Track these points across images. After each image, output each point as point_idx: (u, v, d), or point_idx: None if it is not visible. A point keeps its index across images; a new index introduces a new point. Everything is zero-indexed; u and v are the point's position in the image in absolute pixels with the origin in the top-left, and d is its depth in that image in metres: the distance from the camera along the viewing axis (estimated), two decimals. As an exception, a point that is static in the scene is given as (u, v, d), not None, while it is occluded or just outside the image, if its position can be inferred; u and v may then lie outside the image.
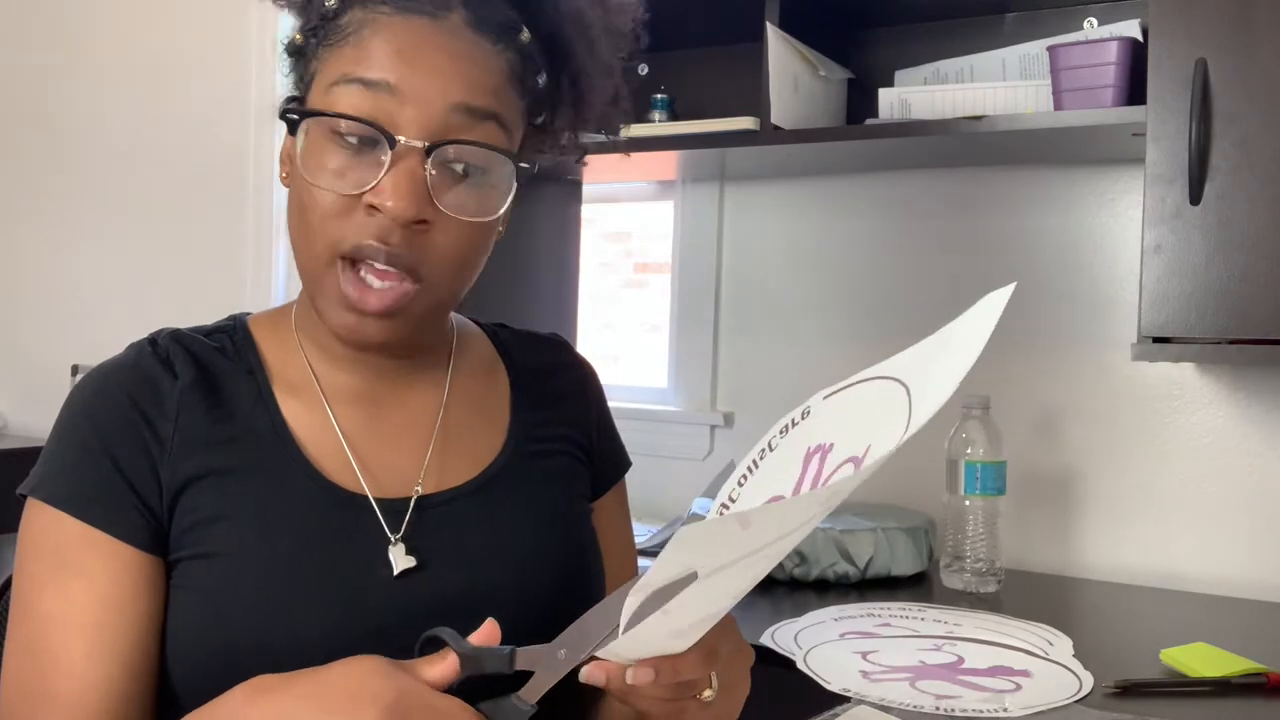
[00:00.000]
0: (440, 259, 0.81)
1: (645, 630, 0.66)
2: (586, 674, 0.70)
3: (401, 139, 0.77)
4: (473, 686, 0.72)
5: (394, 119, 0.78)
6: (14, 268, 2.80)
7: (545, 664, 0.72)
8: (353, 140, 0.78)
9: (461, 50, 0.80)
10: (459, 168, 0.80)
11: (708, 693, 0.74)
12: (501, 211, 0.82)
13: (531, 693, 0.71)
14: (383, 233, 0.78)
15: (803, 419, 0.76)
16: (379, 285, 0.79)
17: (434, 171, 0.78)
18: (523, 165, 0.82)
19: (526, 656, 0.72)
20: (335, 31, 0.81)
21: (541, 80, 0.86)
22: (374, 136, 0.78)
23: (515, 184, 0.82)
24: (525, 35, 0.83)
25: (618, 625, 0.68)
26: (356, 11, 0.81)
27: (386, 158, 0.78)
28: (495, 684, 0.72)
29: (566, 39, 0.86)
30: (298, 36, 0.84)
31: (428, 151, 0.78)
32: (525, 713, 0.71)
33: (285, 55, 0.86)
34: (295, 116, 0.79)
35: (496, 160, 0.81)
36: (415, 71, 0.78)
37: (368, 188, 0.78)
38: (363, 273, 0.79)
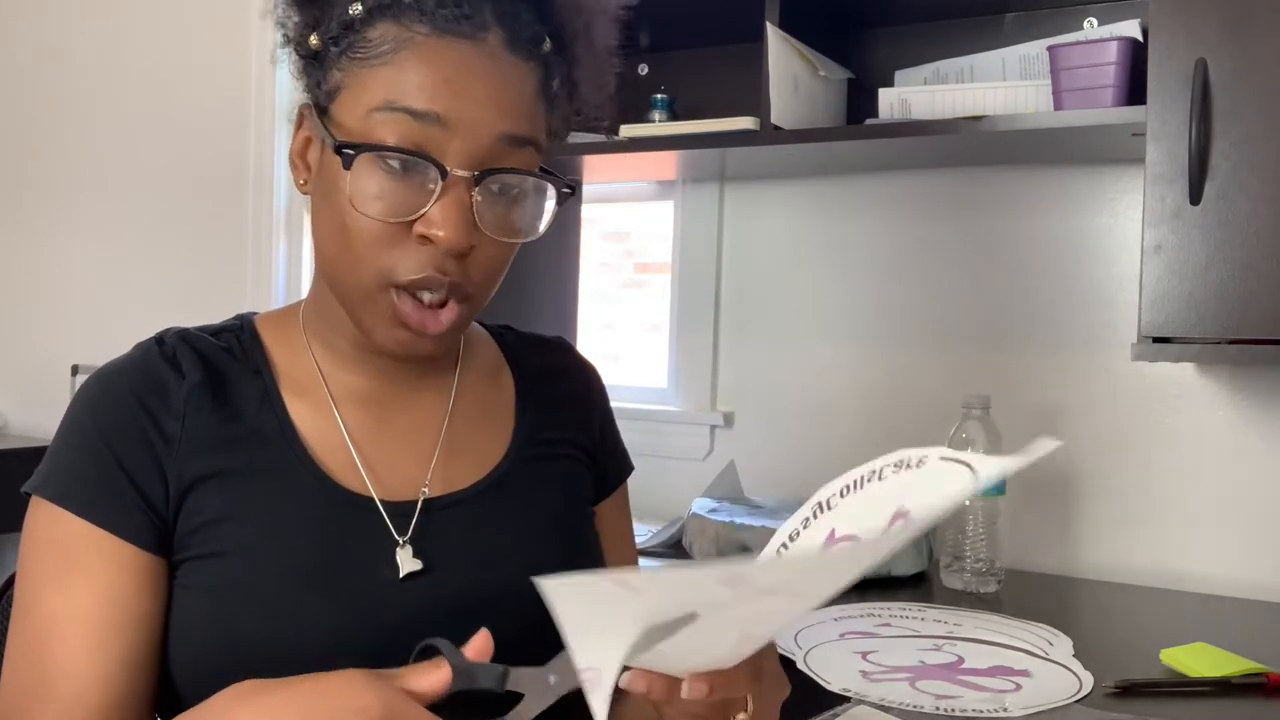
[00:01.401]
0: (483, 277, 0.82)
1: (658, 656, 0.66)
2: (627, 681, 0.68)
3: (449, 169, 0.78)
4: (461, 698, 0.71)
5: (441, 148, 0.78)
6: (14, 268, 2.80)
7: (536, 688, 0.72)
8: (396, 165, 0.78)
9: (502, 77, 0.80)
10: (495, 187, 0.81)
11: (742, 716, 0.73)
12: (542, 231, 0.84)
13: (519, 717, 0.71)
14: (438, 263, 0.79)
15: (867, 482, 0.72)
16: (435, 305, 0.81)
17: (479, 198, 0.79)
18: (565, 190, 0.83)
19: (518, 678, 0.72)
20: (365, 45, 0.79)
21: (556, 85, 0.86)
22: (422, 165, 0.78)
23: (556, 205, 0.84)
24: (548, 45, 0.84)
25: None
26: (389, 27, 0.79)
27: (436, 186, 0.78)
28: (483, 698, 0.71)
29: (568, 35, 0.86)
30: (314, 40, 0.82)
31: (475, 180, 0.79)
32: None
33: (296, 55, 0.84)
34: (350, 152, 0.78)
35: (534, 181, 0.83)
36: (462, 103, 0.78)
37: (416, 215, 0.78)
38: (418, 293, 0.80)
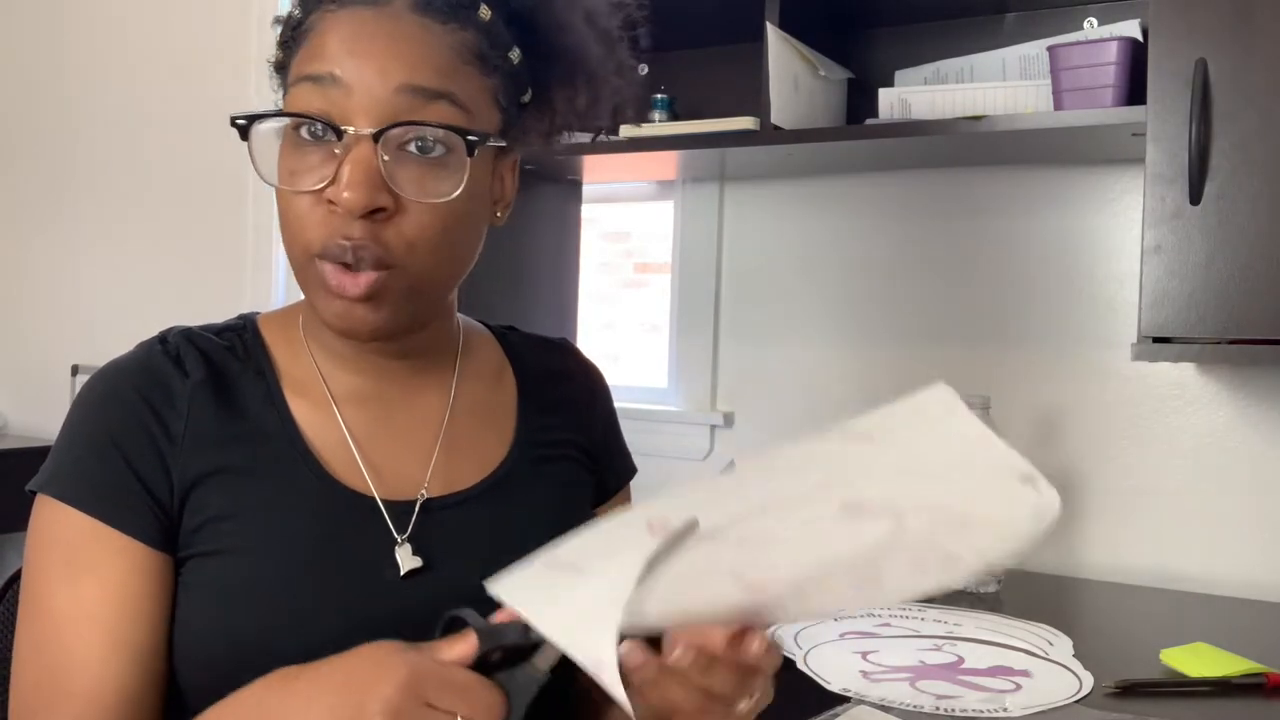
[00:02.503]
0: (409, 243, 0.79)
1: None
2: (625, 652, 0.68)
3: (351, 129, 0.77)
4: (496, 665, 0.72)
5: (344, 111, 0.78)
6: (15, 268, 2.80)
7: None
8: (309, 138, 0.78)
9: (404, 33, 0.79)
10: (414, 149, 0.79)
11: (744, 703, 0.72)
12: (458, 191, 0.79)
13: (544, 660, 0.71)
14: (344, 228, 0.77)
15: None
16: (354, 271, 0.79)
17: (387, 157, 0.77)
18: (471, 138, 0.79)
19: None
20: (301, 38, 0.82)
21: (515, 56, 0.85)
22: (325, 132, 0.78)
23: (468, 160, 0.79)
24: (485, 13, 0.82)
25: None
26: (314, 15, 0.81)
27: (340, 150, 0.78)
28: (517, 660, 0.72)
29: (552, 13, 0.86)
30: (279, 53, 0.85)
31: (375, 137, 0.77)
32: (537, 680, 0.71)
33: (274, 74, 0.86)
34: (243, 122, 0.79)
35: (455, 139, 0.79)
36: (356, 60, 0.78)
37: (325, 183, 0.78)
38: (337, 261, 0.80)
